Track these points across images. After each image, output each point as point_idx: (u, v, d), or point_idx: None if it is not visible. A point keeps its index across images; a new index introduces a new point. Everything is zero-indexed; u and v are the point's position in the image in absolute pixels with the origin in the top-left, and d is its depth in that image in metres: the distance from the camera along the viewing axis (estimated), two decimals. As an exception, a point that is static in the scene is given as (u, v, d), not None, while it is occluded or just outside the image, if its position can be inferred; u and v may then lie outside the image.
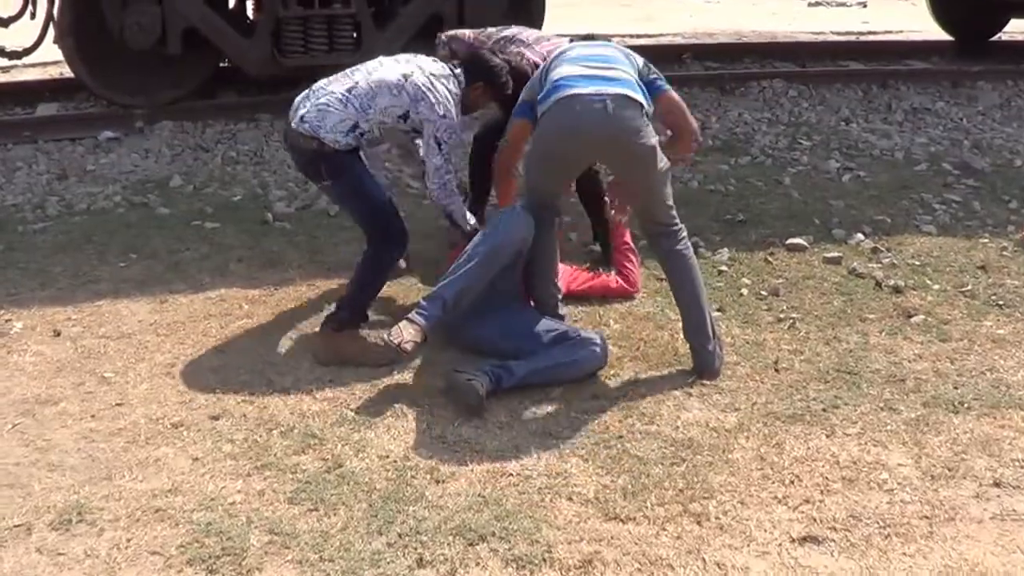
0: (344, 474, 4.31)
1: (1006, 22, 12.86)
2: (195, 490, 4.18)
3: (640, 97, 5.08)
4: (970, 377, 5.13)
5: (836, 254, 6.55)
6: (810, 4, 17.22)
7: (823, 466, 4.41)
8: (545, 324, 5.24)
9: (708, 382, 5.08)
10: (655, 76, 5.27)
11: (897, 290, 6.08)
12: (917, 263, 6.48)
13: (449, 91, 5.28)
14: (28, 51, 8.80)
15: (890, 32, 14.34)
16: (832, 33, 14.23)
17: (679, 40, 13.19)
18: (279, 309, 5.72)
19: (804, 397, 4.90)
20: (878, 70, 10.96)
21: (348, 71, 5.37)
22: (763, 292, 6.05)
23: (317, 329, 5.34)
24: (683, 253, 5.25)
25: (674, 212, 5.26)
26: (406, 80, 5.25)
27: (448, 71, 5.38)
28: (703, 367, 5.19)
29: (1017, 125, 9.60)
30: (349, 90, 5.22)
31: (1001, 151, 8.79)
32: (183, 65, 8.67)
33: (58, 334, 5.42)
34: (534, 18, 9.39)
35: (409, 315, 4.91)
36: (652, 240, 5.33)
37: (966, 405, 4.85)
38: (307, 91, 5.34)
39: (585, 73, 5.11)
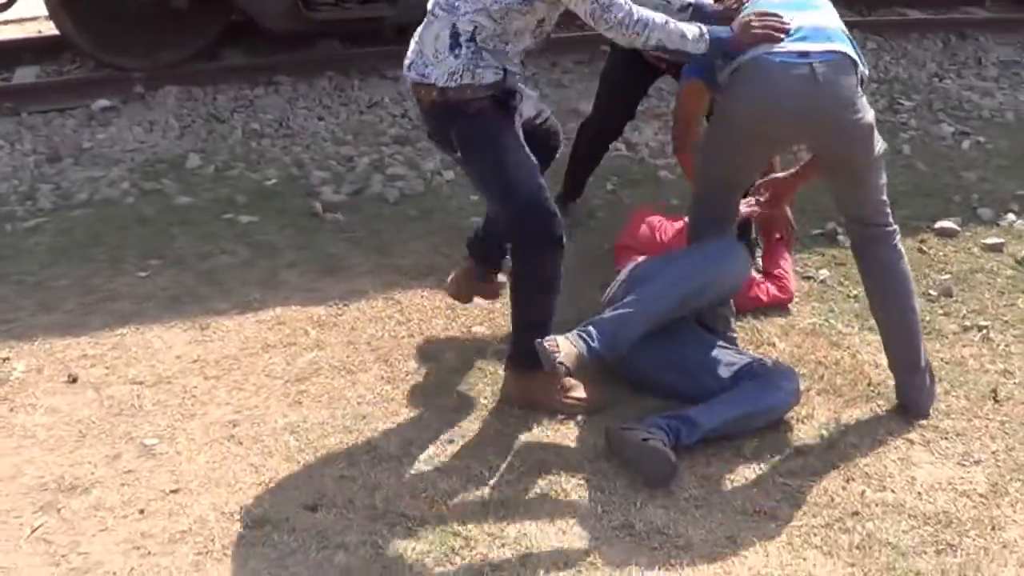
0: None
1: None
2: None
3: (854, 54, 3.75)
4: None
5: (996, 240, 5.45)
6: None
7: None
8: (724, 355, 3.96)
9: (924, 422, 3.96)
10: None
11: None
12: None
13: None
14: (3, 6, 7.22)
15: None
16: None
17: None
18: (357, 335, 4.38)
19: None
20: (952, 19, 9.66)
21: None
22: (933, 292, 4.95)
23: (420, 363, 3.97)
24: (896, 262, 3.98)
25: (888, 209, 3.97)
26: None
27: None
28: (913, 405, 4.02)
29: (1126, 78, 8.45)
30: (433, 10, 3.73)
31: (1125, 110, 7.64)
32: (188, 20, 7.14)
33: (74, 380, 4.02)
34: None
35: (572, 334, 3.57)
36: (857, 243, 4.06)
37: None
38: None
39: (791, 22, 3.74)
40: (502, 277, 4.34)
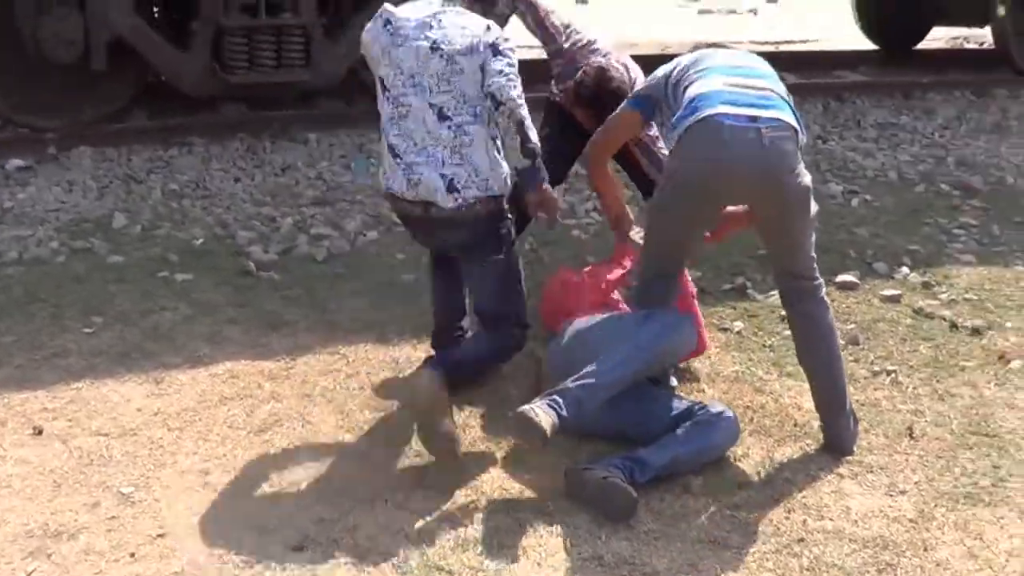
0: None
1: (928, 30, 12.65)
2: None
3: (796, 122, 4.10)
4: (1121, 436, 4.52)
5: (893, 292, 5.90)
6: (700, 12, 16.65)
7: (1044, 559, 3.67)
8: (666, 401, 4.25)
9: (850, 458, 4.33)
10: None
11: (976, 331, 5.48)
12: (975, 298, 5.89)
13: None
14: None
15: (806, 41, 13.79)
16: (751, 43, 13.53)
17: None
18: (310, 387, 4.59)
19: (964, 470, 4.26)
20: (829, 83, 10.33)
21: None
22: (841, 341, 5.20)
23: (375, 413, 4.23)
24: (822, 314, 4.34)
25: (815, 264, 4.34)
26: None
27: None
28: (839, 443, 4.38)
29: (985, 140, 9.18)
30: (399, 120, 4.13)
31: (987, 168, 8.29)
32: (105, 81, 7.28)
33: (40, 432, 4.15)
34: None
35: (543, 403, 3.80)
36: (787, 296, 4.41)
37: None
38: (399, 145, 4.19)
39: (732, 90, 4.10)
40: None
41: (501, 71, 4.01)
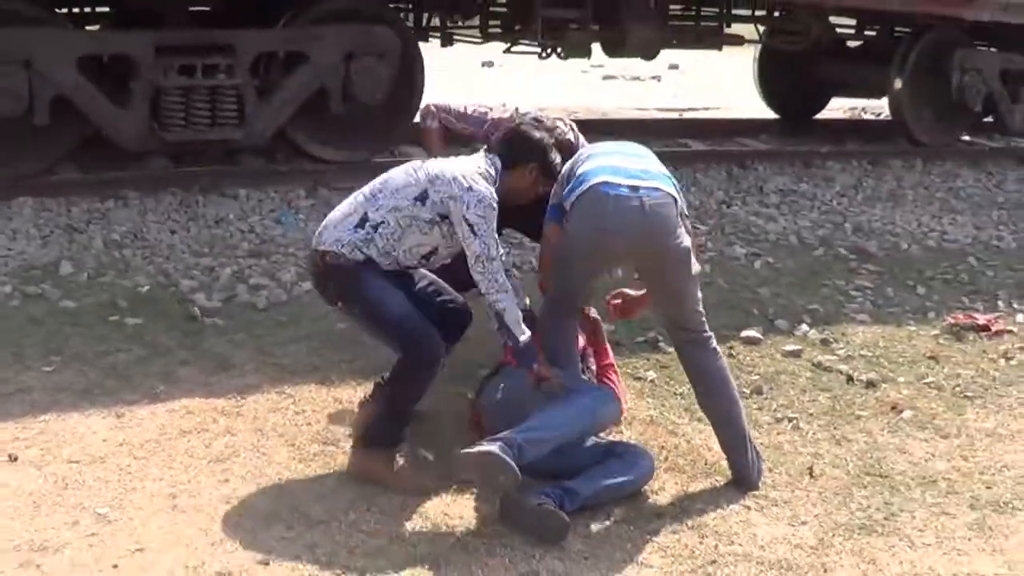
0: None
1: (828, 101, 13.37)
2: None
3: (675, 192, 4.74)
4: (994, 475, 5.14)
5: (794, 347, 6.49)
6: (604, 78, 17.29)
7: (931, 583, 4.23)
8: (591, 439, 4.81)
9: (755, 492, 4.88)
10: None
11: (871, 384, 6.06)
12: (870, 354, 6.49)
13: (477, 167, 4.74)
14: None
15: (709, 108, 14.49)
16: (656, 109, 14.23)
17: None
18: (262, 423, 5.05)
19: (859, 505, 4.79)
20: (731, 151, 10.98)
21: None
22: (746, 390, 5.90)
23: (324, 446, 4.74)
24: (715, 363, 4.93)
25: (704, 318, 4.93)
26: (420, 166, 4.77)
27: (475, 157, 4.89)
28: (744, 480, 4.93)
29: (881, 207, 9.82)
30: (359, 192, 4.76)
31: (882, 234, 8.94)
32: (46, 134, 7.70)
33: (15, 459, 4.57)
34: (416, 91, 9.02)
35: (496, 446, 4.31)
36: (680, 348, 5.01)
37: (1012, 505, 4.85)
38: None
39: (616, 164, 4.74)
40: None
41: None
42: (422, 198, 4.61)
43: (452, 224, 4.63)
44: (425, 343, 4.53)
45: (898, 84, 11.25)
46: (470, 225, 4.57)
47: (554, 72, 15.00)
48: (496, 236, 4.64)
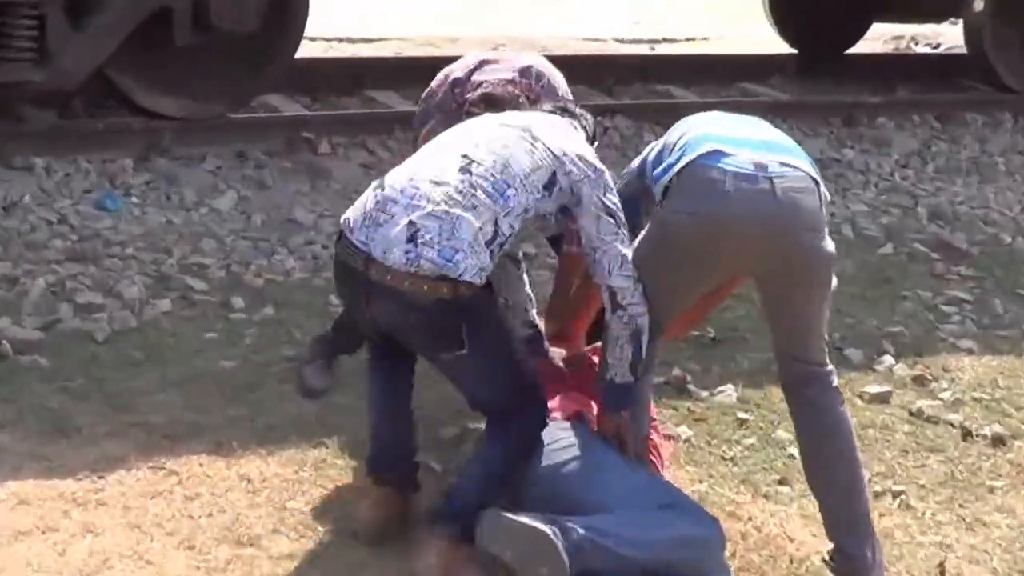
0: None
1: (865, 28, 13.42)
2: None
3: (816, 173, 4.67)
4: None
5: (878, 388, 6.53)
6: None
7: None
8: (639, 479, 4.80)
9: None
10: None
11: (999, 440, 6.14)
12: (988, 397, 6.59)
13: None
14: None
15: (692, 39, 14.50)
16: (615, 41, 14.19)
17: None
18: (137, 516, 4.88)
19: None
20: (740, 101, 10.98)
21: (421, 154, 4.83)
22: None
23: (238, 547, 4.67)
24: (837, 409, 4.90)
25: (826, 348, 4.92)
26: (528, 130, 4.75)
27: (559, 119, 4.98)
28: (860, 581, 4.82)
29: (963, 183, 10.00)
30: (465, 170, 4.58)
31: (971, 222, 9.15)
32: None
33: None
34: (297, 18, 9.01)
35: (551, 527, 4.30)
36: (794, 386, 4.94)
37: None
38: (366, 202, 4.67)
39: (723, 132, 4.67)
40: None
41: None
42: (550, 185, 4.65)
43: (557, 220, 4.78)
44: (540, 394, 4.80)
45: (979, 3, 11.25)
46: (611, 215, 4.64)
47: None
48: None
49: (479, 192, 4.52)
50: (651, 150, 4.90)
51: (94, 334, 6.21)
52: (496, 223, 4.51)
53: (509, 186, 4.55)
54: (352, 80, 10.85)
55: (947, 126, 11.04)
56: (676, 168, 4.60)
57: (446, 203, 4.48)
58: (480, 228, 4.48)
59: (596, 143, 5.04)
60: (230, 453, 5.33)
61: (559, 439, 4.81)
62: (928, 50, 14.27)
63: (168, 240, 7.52)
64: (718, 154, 4.54)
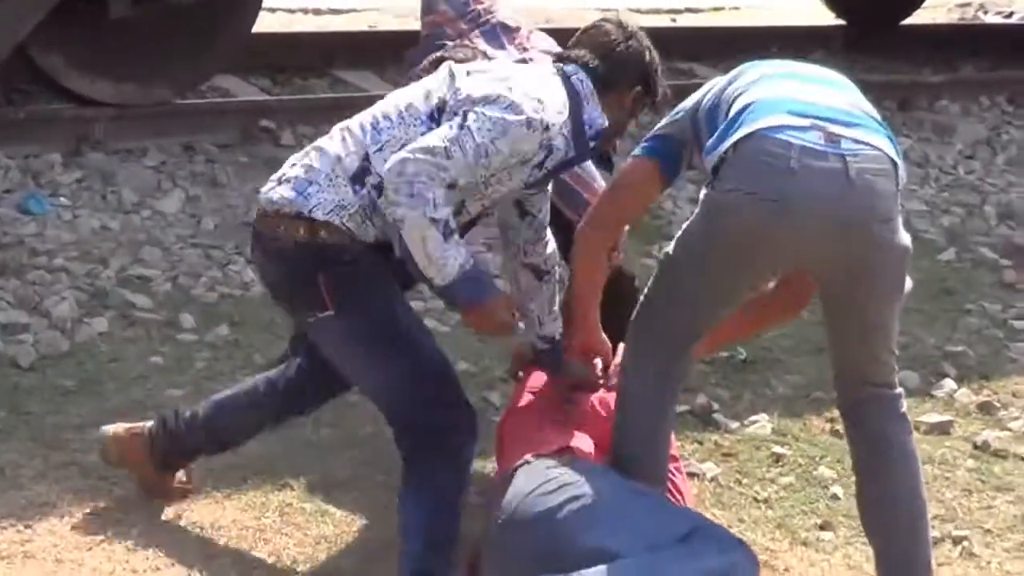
0: None
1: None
2: None
3: (894, 151, 4.58)
4: None
5: (938, 417, 6.62)
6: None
7: None
8: (649, 508, 4.78)
9: None
10: None
11: None
12: None
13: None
14: None
15: (719, 8, 14.55)
16: (632, 12, 14.26)
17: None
18: (75, 570, 5.00)
19: None
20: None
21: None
22: None
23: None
24: (904, 438, 4.88)
25: (896, 366, 4.88)
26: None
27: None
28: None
29: (1039, 175, 9.95)
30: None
31: (1048, 222, 9.07)
32: None
33: None
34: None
35: None
36: (854, 411, 4.92)
37: None
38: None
39: (797, 96, 4.61)
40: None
41: None
42: (436, 113, 4.87)
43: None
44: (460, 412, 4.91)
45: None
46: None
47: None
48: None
49: (352, 126, 4.81)
50: (706, 94, 4.86)
51: (17, 359, 6.33)
52: (366, 158, 4.70)
53: (386, 118, 4.77)
54: (319, 58, 10.98)
55: (1020, 110, 10.99)
56: (732, 139, 4.53)
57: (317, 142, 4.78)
58: (340, 160, 4.71)
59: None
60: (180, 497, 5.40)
61: (550, 479, 4.79)
62: (1000, 20, 14.17)
63: (104, 248, 7.61)
64: (784, 128, 4.46)
